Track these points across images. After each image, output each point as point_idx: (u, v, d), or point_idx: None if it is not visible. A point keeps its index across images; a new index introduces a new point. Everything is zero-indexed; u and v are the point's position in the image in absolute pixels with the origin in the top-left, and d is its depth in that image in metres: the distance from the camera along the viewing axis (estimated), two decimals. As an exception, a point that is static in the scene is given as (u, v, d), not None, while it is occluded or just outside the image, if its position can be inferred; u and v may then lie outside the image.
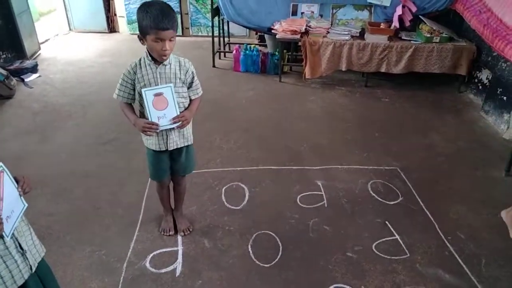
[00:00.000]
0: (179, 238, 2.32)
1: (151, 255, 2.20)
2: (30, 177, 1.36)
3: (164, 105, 1.88)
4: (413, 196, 2.72)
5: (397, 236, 2.36)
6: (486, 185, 2.86)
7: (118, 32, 6.75)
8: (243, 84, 4.66)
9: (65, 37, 6.50)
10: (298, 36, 4.42)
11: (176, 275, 2.08)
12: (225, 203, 2.63)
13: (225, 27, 5.75)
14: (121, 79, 1.93)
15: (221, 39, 5.56)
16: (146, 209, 2.56)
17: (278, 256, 2.21)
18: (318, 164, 3.06)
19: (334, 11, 4.68)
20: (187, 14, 6.41)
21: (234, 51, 5.03)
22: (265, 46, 5.57)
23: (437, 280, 2.07)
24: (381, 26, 4.38)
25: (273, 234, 2.36)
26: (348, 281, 2.06)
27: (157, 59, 1.85)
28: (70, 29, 6.75)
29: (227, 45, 5.80)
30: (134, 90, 1.94)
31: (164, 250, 2.24)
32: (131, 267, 2.12)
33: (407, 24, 4.43)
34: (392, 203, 2.65)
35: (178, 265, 2.14)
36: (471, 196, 2.74)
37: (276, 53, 4.90)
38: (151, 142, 2.03)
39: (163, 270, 2.11)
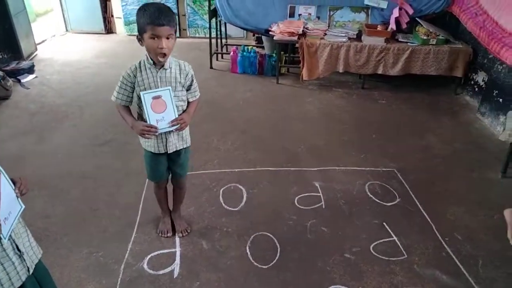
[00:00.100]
0: (177, 239, 2.32)
1: (149, 256, 2.19)
2: (27, 178, 1.36)
3: (162, 108, 1.87)
4: (410, 197, 2.73)
5: (394, 237, 2.37)
6: (482, 187, 2.88)
7: (115, 33, 6.74)
8: (240, 86, 4.66)
9: (61, 38, 6.48)
10: (295, 38, 4.43)
11: (174, 277, 2.07)
12: (223, 204, 2.63)
13: (223, 29, 5.76)
14: (120, 81, 1.92)
15: (219, 40, 5.57)
16: (143, 211, 2.55)
17: (276, 258, 2.21)
18: (316, 166, 3.07)
19: (331, 13, 4.70)
20: (185, 15, 6.42)
21: (232, 53, 5.03)
22: (263, 47, 5.58)
23: (435, 281, 2.08)
24: (378, 28, 4.40)
25: (271, 236, 2.36)
26: (346, 282, 2.06)
27: (154, 59, 1.83)
28: (67, 30, 6.73)
29: (225, 46, 5.81)
30: (133, 93, 1.93)
31: (162, 251, 2.23)
32: (128, 268, 2.12)
33: (404, 26, 4.46)
34: (389, 204, 2.66)
35: (176, 267, 2.13)
36: (468, 197, 2.75)
37: (274, 54, 4.91)
38: (149, 145, 2.02)
39: (161, 272, 2.10)
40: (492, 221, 2.51)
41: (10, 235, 1.28)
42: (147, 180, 2.67)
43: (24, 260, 1.35)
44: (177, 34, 1.96)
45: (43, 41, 6.08)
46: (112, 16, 6.63)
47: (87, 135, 3.46)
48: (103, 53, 5.71)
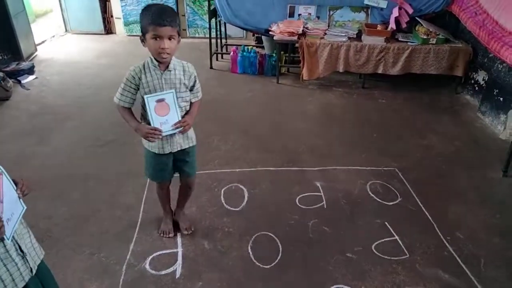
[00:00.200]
0: (179, 239, 2.32)
1: (151, 257, 2.19)
2: (29, 179, 1.36)
3: (166, 111, 1.87)
4: (411, 196, 2.73)
5: (396, 237, 2.37)
6: (484, 186, 2.88)
7: (115, 33, 6.73)
8: (240, 86, 4.66)
9: (61, 38, 6.47)
10: (295, 38, 4.43)
11: (176, 277, 2.07)
12: (224, 204, 2.62)
13: (222, 29, 5.76)
14: (123, 83, 1.90)
15: (218, 40, 5.56)
16: (145, 211, 2.55)
17: (278, 258, 2.21)
18: (317, 165, 3.06)
19: (331, 12, 4.70)
20: (184, 15, 6.41)
21: (232, 53, 5.03)
22: (263, 47, 5.57)
23: (437, 280, 2.08)
24: (378, 28, 4.40)
25: (273, 235, 2.36)
26: (348, 282, 2.06)
27: (157, 58, 1.83)
28: (66, 31, 6.73)
29: (224, 46, 5.81)
30: (136, 94, 1.92)
31: (163, 251, 2.23)
32: (130, 269, 2.11)
33: (404, 25, 4.46)
34: (391, 203, 2.66)
35: (178, 267, 2.13)
36: (469, 196, 2.76)
37: (274, 54, 4.91)
38: (153, 145, 2.00)
39: (163, 272, 2.10)
40: (493, 220, 2.52)
41: (13, 236, 1.28)
42: (148, 180, 2.67)
43: (27, 261, 1.35)
44: (179, 35, 1.96)
45: (42, 42, 6.07)
46: (112, 16, 6.62)
47: (88, 136, 3.45)
48: (103, 54, 5.71)
